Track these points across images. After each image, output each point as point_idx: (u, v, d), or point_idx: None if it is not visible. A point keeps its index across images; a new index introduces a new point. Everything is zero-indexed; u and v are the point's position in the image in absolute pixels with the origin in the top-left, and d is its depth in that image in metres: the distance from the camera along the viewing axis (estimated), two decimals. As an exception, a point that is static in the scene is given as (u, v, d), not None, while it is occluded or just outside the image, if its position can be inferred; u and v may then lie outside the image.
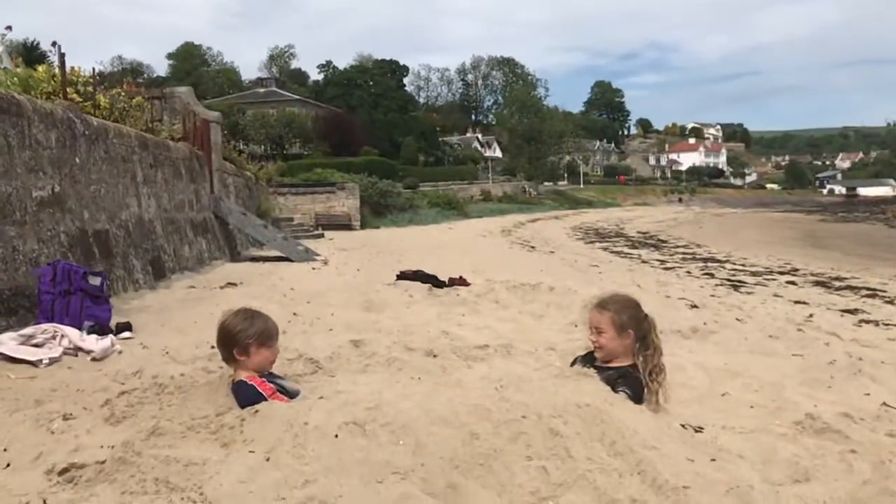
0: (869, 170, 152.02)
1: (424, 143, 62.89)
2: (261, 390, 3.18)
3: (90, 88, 10.67)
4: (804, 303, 8.70)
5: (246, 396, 3.16)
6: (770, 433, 3.15)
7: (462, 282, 8.83)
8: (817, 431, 3.13)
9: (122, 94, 12.37)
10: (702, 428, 3.13)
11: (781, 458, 2.82)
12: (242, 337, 3.27)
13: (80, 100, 9.83)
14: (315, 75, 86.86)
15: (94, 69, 11.74)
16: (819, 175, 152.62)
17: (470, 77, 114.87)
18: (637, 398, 3.15)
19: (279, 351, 3.48)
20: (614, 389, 3.13)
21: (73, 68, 10.69)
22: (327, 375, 4.03)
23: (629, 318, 3.35)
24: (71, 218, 7.33)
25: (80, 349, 4.83)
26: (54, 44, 10.49)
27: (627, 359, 3.34)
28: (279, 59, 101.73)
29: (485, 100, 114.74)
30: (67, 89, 9.70)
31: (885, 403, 3.72)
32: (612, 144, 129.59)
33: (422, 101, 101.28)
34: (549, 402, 2.95)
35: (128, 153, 9.61)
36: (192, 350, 4.79)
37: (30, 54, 33.37)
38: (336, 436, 2.78)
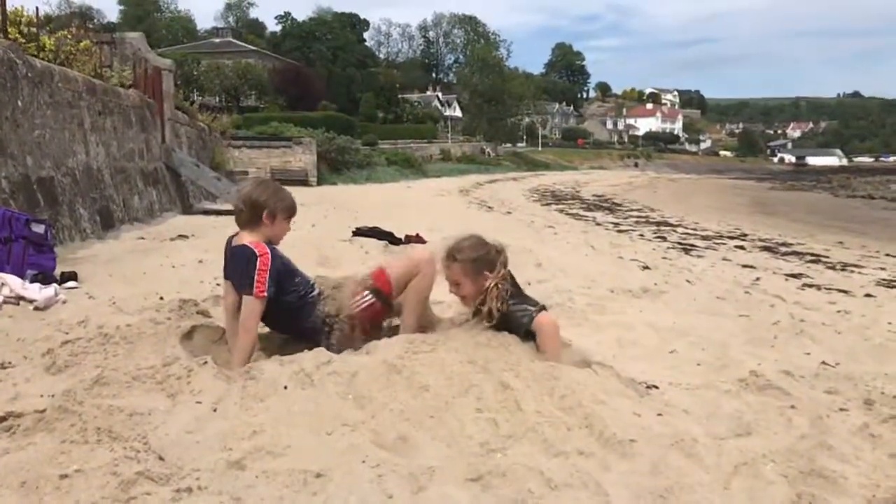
0: (818, 139, 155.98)
1: (384, 99, 61.94)
2: (255, 249, 3.29)
3: (34, 29, 10.20)
4: (751, 267, 8.89)
5: (243, 256, 3.29)
6: (715, 389, 3.22)
7: (419, 239, 8.81)
8: (760, 388, 3.21)
9: (69, 37, 11.85)
10: (656, 385, 3.18)
11: (725, 413, 2.89)
12: (276, 205, 3.42)
13: (23, 41, 9.38)
14: (273, 26, 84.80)
15: (37, 9, 11.18)
16: (771, 143, 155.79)
17: (431, 34, 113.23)
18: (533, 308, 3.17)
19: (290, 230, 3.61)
20: (519, 321, 3.14)
21: (15, 8, 10.19)
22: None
23: (479, 261, 3.23)
24: (13, 164, 7.06)
25: (21, 298, 4.69)
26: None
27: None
28: (236, 8, 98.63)
29: (446, 58, 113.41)
30: (9, 29, 9.25)
31: (824, 362, 3.85)
32: (571, 108, 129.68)
33: (382, 56, 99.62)
34: (501, 357, 2.96)
35: (74, 98, 9.26)
36: (140, 301, 4.68)
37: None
38: (285, 387, 2.75)
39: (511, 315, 3.18)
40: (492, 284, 3.19)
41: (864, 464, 2.49)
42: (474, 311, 3.34)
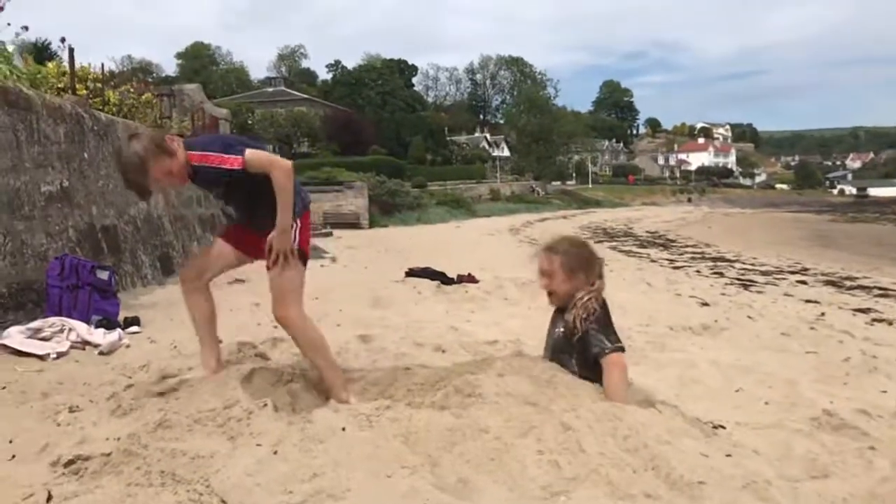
0: (880, 170, 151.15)
1: (433, 142, 62.79)
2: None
3: (99, 85, 10.68)
4: (815, 302, 8.61)
5: (210, 171, 3.11)
6: (785, 429, 3.09)
7: (471, 279, 8.79)
8: (834, 428, 3.07)
9: (132, 90, 12.37)
10: (723, 425, 3.07)
11: (798, 454, 2.77)
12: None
13: (90, 96, 9.82)
14: (324, 75, 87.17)
15: (102, 65, 11.74)
16: (829, 175, 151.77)
17: (478, 76, 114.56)
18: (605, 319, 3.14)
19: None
20: (590, 349, 3.08)
21: (82, 66, 10.70)
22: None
23: (578, 260, 3.21)
24: (79, 213, 7.33)
25: (87, 343, 4.82)
26: (63, 40, 10.49)
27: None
28: (288, 58, 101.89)
29: (493, 99, 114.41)
30: (77, 85, 9.70)
31: (902, 401, 3.67)
32: (621, 144, 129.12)
33: (430, 100, 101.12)
34: (562, 397, 2.90)
35: (136, 149, 9.59)
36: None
37: (40, 53, 33.40)
38: (343, 429, 2.74)
39: (586, 337, 3.11)
40: (584, 296, 3.14)
41: (953, 509, 2.35)
42: (558, 314, 3.30)
